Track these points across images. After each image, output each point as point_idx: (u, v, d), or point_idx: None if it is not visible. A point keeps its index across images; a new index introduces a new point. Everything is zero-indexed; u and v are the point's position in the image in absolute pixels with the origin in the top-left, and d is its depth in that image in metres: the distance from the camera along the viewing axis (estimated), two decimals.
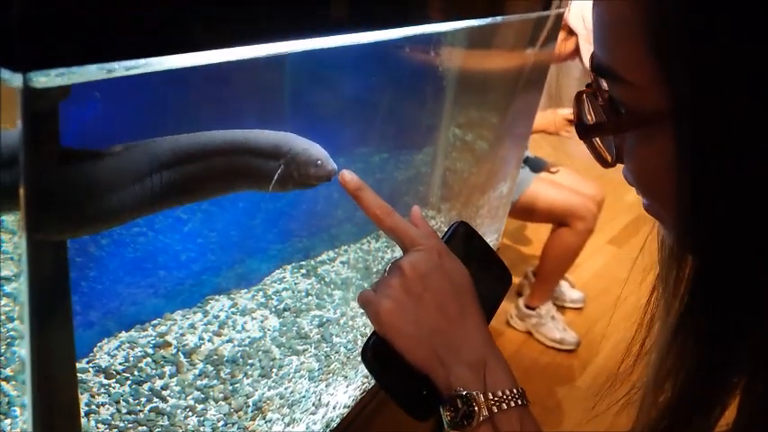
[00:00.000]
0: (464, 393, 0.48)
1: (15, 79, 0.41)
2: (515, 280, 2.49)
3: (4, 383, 0.81)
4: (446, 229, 0.61)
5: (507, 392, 0.49)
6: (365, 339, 0.53)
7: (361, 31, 0.73)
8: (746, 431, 0.40)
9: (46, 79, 0.42)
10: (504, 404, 0.48)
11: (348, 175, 0.57)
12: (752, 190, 0.35)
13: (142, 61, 0.48)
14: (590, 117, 0.45)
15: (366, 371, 0.54)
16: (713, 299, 0.40)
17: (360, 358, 0.54)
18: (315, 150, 0.75)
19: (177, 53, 0.51)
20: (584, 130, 0.45)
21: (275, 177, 0.73)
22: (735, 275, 0.38)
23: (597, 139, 0.46)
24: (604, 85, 0.42)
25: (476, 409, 0.48)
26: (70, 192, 0.59)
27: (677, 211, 0.38)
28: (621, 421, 0.54)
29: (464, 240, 0.60)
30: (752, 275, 0.37)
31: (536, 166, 2.24)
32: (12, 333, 0.89)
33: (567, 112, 2.16)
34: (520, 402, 0.49)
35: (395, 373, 0.51)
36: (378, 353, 0.52)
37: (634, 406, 0.52)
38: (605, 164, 0.46)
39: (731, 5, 0.33)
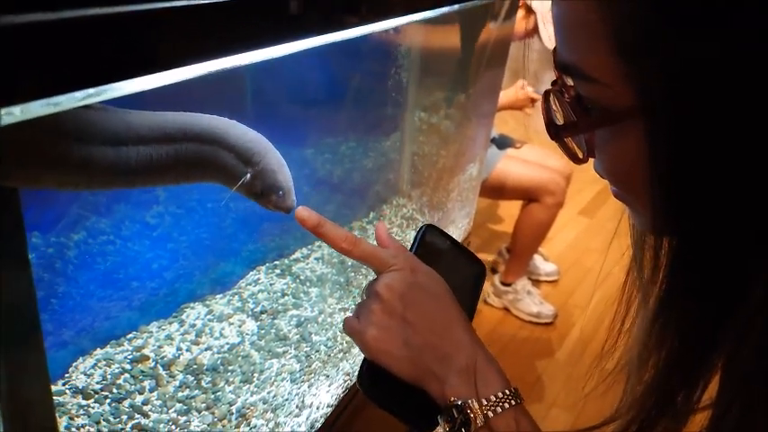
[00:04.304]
0: (459, 403, 0.49)
1: None
2: (489, 258, 2.52)
3: None
4: (414, 236, 0.61)
5: (500, 395, 0.49)
6: (359, 367, 0.53)
7: (325, 33, 0.72)
8: (729, 406, 0.41)
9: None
10: (498, 407, 0.49)
11: (305, 213, 0.55)
12: (722, 176, 0.36)
13: (92, 90, 0.47)
14: (559, 115, 0.45)
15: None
16: (692, 281, 0.41)
17: (356, 382, 0.54)
18: (282, 177, 0.72)
19: (131, 78, 0.50)
20: (555, 131, 0.45)
21: (239, 184, 0.71)
22: (711, 257, 0.39)
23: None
24: (570, 81, 0.42)
25: (471, 416, 0.48)
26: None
27: (651, 200, 0.39)
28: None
29: (432, 244, 0.60)
30: (727, 255, 0.38)
31: (502, 143, 2.26)
32: None
33: (532, 89, 2.18)
34: (514, 402, 0.49)
35: (393, 394, 0.52)
36: (373, 378, 0.52)
37: (621, 382, 0.53)
38: (577, 160, 0.46)
39: (696, 8, 0.33)
